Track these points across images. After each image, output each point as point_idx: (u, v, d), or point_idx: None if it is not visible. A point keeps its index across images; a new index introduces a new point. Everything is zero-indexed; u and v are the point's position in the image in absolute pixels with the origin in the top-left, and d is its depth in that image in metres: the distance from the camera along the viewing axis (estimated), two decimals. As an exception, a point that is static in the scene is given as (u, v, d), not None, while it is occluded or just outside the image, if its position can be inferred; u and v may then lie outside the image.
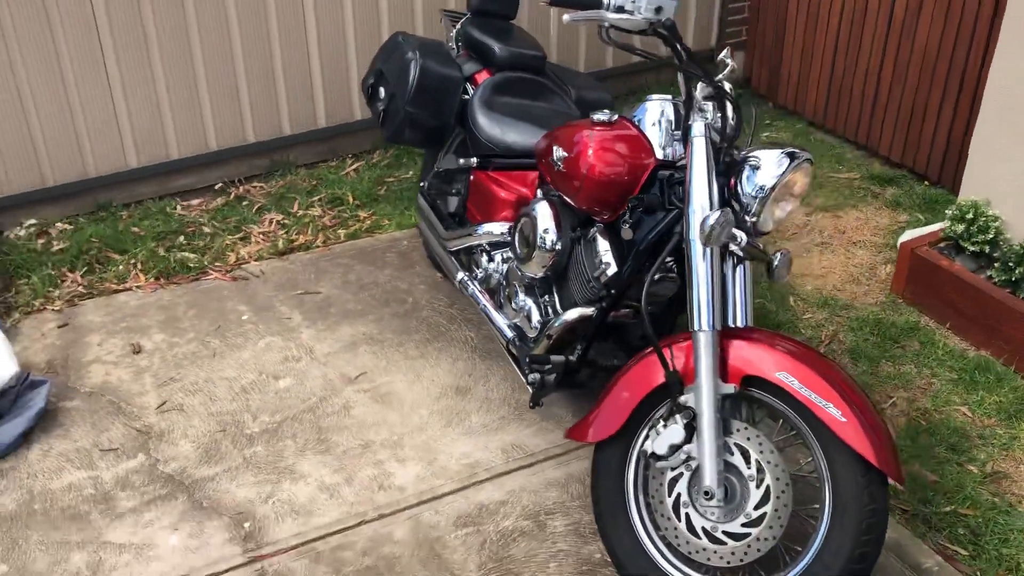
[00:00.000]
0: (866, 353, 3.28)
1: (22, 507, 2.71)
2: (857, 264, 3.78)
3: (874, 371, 3.21)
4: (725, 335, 2.30)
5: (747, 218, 2.34)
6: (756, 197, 2.31)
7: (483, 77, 3.26)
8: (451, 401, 3.09)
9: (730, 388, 2.23)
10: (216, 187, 4.28)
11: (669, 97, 2.52)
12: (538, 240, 2.66)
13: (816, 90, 4.79)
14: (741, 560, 2.23)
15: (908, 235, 3.63)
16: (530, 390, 2.79)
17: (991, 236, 3.33)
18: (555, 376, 2.71)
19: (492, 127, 3.03)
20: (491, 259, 3.04)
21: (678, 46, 2.33)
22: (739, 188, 2.34)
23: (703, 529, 2.27)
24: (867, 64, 4.45)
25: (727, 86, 2.51)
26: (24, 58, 3.71)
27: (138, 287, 3.68)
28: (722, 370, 2.26)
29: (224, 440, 2.95)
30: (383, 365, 3.25)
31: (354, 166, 4.46)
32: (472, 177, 3.19)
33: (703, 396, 2.22)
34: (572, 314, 2.65)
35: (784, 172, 2.29)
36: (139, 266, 3.77)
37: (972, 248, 3.37)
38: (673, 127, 2.48)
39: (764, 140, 4.73)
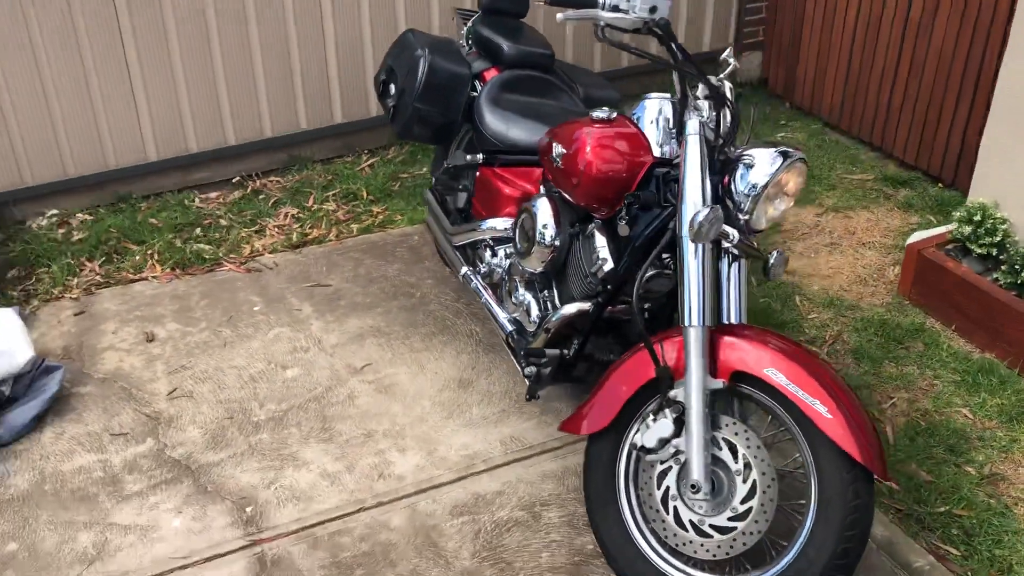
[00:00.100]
0: (869, 354, 3.29)
1: (34, 487, 2.80)
2: (865, 265, 3.79)
3: (876, 371, 3.22)
4: (718, 332, 2.33)
5: (740, 216, 2.36)
6: (749, 195, 2.33)
7: (492, 75, 3.30)
8: (453, 393, 3.14)
9: (719, 384, 2.26)
10: (234, 180, 4.36)
11: (667, 96, 2.54)
12: (537, 236, 2.70)
13: (832, 91, 4.78)
14: (727, 553, 2.26)
15: (916, 237, 3.63)
16: (526, 383, 2.83)
17: (998, 239, 3.33)
18: (550, 369, 2.74)
19: (498, 124, 3.08)
20: (494, 254, 3.09)
21: (672, 45, 2.36)
22: (732, 186, 2.36)
23: (690, 522, 2.30)
24: (883, 65, 4.44)
25: (727, 85, 2.54)
26: (48, 54, 3.81)
27: (154, 277, 3.76)
28: (712, 366, 2.29)
29: (231, 427, 3.02)
30: (388, 357, 3.30)
31: (369, 162, 4.53)
32: (478, 173, 3.23)
33: (692, 391, 2.25)
34: (570, 309, 2.69)
35: (776, 171, 2.32)
36: (156, 257, 3.85)
37: (979, 250, 3.36)
38: (670, 125, 2.51)
39: (777, 139, 4.74)
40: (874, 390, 3.14)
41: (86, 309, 3.58)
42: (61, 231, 4.00)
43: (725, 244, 2.35)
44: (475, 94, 3.25)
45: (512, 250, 2.91)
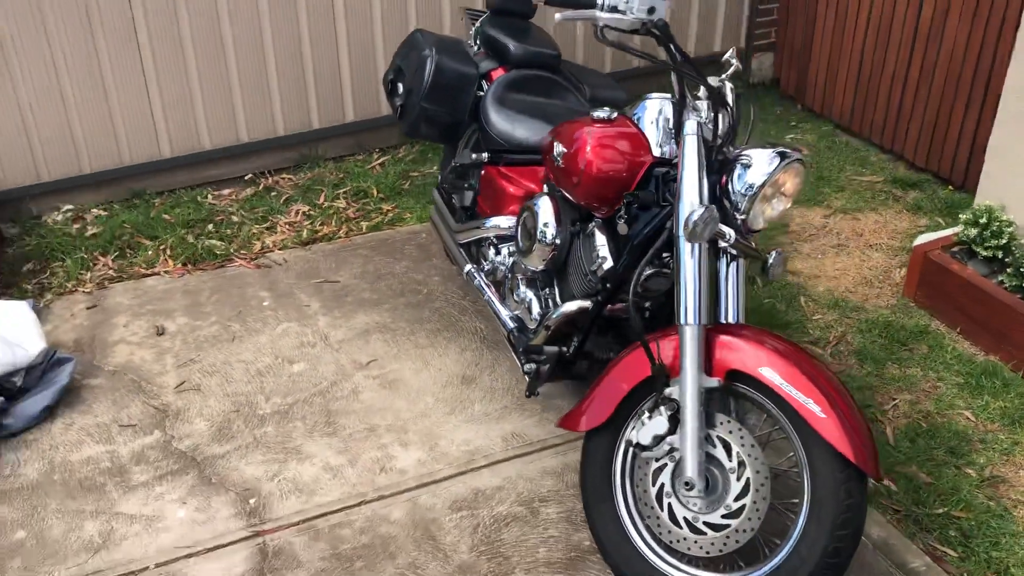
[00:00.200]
0: (872, 355, 3.30)
1: (43, 477, 2.85)
2: (872, 267, 3.79)
3: (879, 373, 3.23)
4: (715, 331, 2.35)
5: (737, 216, 2.38)
6: (745, 195, 2.35)
7: (499, 74, 3.33)
8: (456, 389, 3.17)
9: (714, 382, 2.28)
10: (246, 178, 4.41)
11: (668, 96, 2.56)
12: (538, 234, 2.73)
13: (843, 93, 4.78)
14: (720, 551, 2.27)
15: (923, 239, 3.62)
16: (526, 380, 2.85)
17: (1004, 241, 3.32)
18: (549, 366, 2.77)
19: (503, 123, 3.10)
20: (498, 252, 3.12)
21: (671, 46, 2.38)
22: (730, 186, 2.38)
23: (684, 519, 2.32)
24: (893, 68, 4.44)
25: (728, 86, 2.56)
26: (65, 52, 3.88)
27: (166, 272, 3.82)
28: (708, 364, 2.31)
29: (237, 420, 3.06)
30: (394, 353, 3.34)
31: (380, 160, 4.57)
32: (483, 172, 3.26)
33: (687, 389, 2.27)
34: (570, 306, 2.71)
35: (773, 171, 2.33)
36: (168, 252, 3.91)
37: (985, 253, 3.36)
38: (670, 125, 2.52)
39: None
40: (876, 391, 3.15)
41: (98, 303, 3.64)
42: (76, 226, 4.06)
43: (722, 244, 2.37)
44: (481, 93, 3.28)
45: (515, 248, 2.93)
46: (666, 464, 2.35)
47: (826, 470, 2.17)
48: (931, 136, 4.32)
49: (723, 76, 2.57)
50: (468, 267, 3.18)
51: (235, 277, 3.79)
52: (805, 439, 2.21)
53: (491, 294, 3.08)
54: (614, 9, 2.28)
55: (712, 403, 2.33)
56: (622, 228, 2.54)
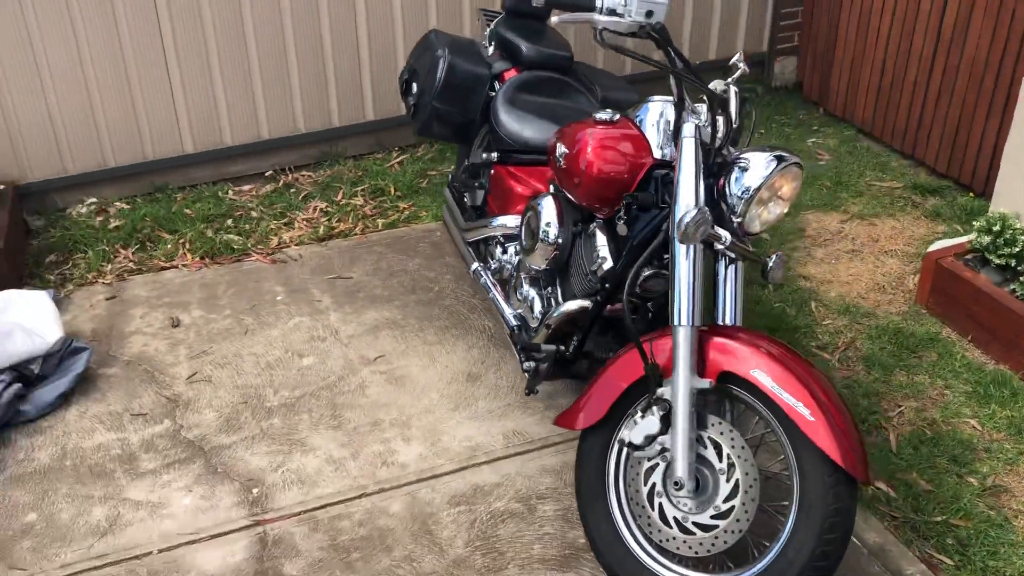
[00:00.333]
0: (881, 361, 3.28)
1: (55, 462, 2.93)
2: (885, 273, 3.76)
3: (886, 379, 3.21)
4: (710, 332, 2.36)
5: (733, 218, 2.39)
6: (742, 198, 2.36)
7: (511, 75, 3.36)
8: (461, 386, 3.20)
9: (706, 383, 2.29)
10: (267, 174, 4.48)
11: (671, 99, 2.57)
12: (541, 233, 2.76)
13: (865, 97, 4.75)
14: (708, 551, 2.28)
15: (937, 246, 3.60)
16: (526, 377, 2.88)
17: (1018, 249, 3.29)
18: (548, 365, 2.79)
19: (512, 123, 3.13)
20: (505, 251, 3.15)
21: (669, 50, 2.39)
22: (727, 188, 2.39)
23: (674, 519, 2.33)
24: (915, 73, 4.40)
25: (733, 90, 2.57)
26: (91, 49, 3.97)
27: (184, 265, 3.89)
28: (702, 366, 2.32)
29: (245, 411, 3.12)
30: (402, 349, 3.38)
31: (399, 159, 4.62)
32: (493, 172, 3.29)
33: (678, 389, 2.28)
34: (571, 305, 2.73)
35: (770, 174, 2.34)
36: (187, 246, 3.98)
37: (998, 261, 3.33)
38: (671, 128, 2.54)
39: (810, 146, 4.72)
40: (882, 398, 3.13)
41: (117, 294, 3.72)
42: (99, 219, 4.15)
43: (718, 246, 2.38)
44: (493, 94, 3.31)
45: (518, 247, 2.96)
46: (658, 464, 2.36)
47: (815, 473, 2.18)
48: (952, 142, 4.28)
49: (729, 80, 2.58)
50: (475, 265, 3.22)
51: (251, 271, 3.85)
52: (795, 442, 2.21)
53: (496, 292, 3.11)
54: (612, 12, 2.30)
55: (706, 405, 2.34)
56: (621, 229, 2.56)
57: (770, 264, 2.53)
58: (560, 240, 2.75)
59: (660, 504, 2.35)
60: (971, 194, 4.22)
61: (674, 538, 2.32)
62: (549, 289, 2.91)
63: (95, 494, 2.81)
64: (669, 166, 2.53)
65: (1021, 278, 3.25)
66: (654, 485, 2.37)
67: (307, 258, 3.93)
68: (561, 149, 2.66)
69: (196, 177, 4.38)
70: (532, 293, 2.93)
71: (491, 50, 3.52)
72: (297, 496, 2.79)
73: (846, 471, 2.15)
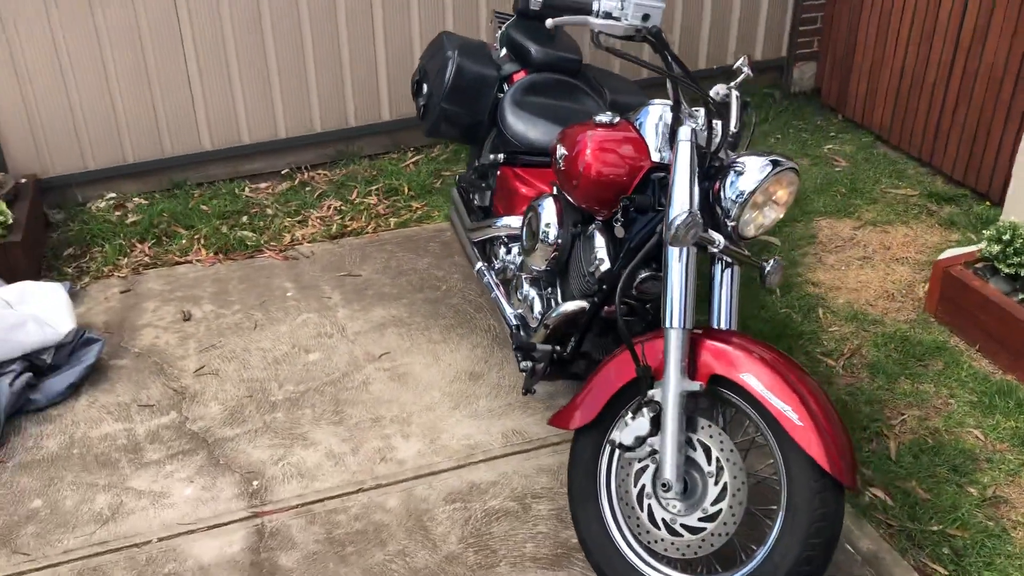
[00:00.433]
0: (886, 369, 3.26)
1: (63, 450, 2.99)
2: (895, 280, 3.74)
3: (890, 387, 3.19)
4: (704, 335, 2.36)
5: (727, 222, 2.39)
6: (736, 201, 2.36)
7: (520, 77, 3.38)
8: (463, 385, 3.23)
9: (696, 386, 2.29)
10: (283, 172, 4.54)
11: (670, 102, 2.58)
12: (541, 234, 2.78)
13: (884, 103, 4.72)
14: (695, 553, 2.29)
15: (947, 254, 3.57)
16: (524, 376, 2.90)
17: (1028, 259, 3.26)
18: (544, 365, 2.81)
19: (519, 125, 3.16)
20: (508, 251, 3.17)
21: (665, 53, 2.40)
22: (722, 192, 2.39)
23: (663, 521, 2.34)
24: (934, 79, 4.37)
25: (734, 94, 2.58)
26: (112, 47, 4.05)
27: (198, 260, 3.95)
28: (693, 368, 2.32)
29: (250, 405, 3.16)
30: (406, 346, 3.41)
31: (414, 159, 4.65)
32: (499, 172, 3.32)
33: (668, 391, 2.29)
34: (569, 306, 2.75)
35: (764, 178, 2.34)
36: (202, 241, 4.05)
37: (1007, 270, 3.29)
38: (670, 131, 2.54)
39: (827, 152, 4.70)
40: (885, 406, 3.12)
41: (132, 288, 3.78)
42: (117, 213, 4.23)
43: (712, 250, 2.38)
44: (502, 95, 3.34)
45: (519, 247, 2.98)
46: (648, 465, 2.37)
47: (802, 478, 2.18)
48: (969, 150, 4.25)
49: (732, 84, 2.59)
50: (479, 265, 3.24)
51: (263, 268, 3.90)
52: (783, 446, 2.21)
53: (498, 292, 3.13)
54: (608, 15, 2.31)
55: (698, 408, 2.35)
56: (619, 231, 2.57)
57: (767, 268, 2.53)
58: (559, 241, 2.76)
59: (649, 506, 2.36)
60: (987, 203, 4.18)
61: (662, 540, 2.33)
62: (549, 290, 2.92)
63: (99, 482, 2.87)
64: (667, 169, 2.54)
65: (1030, 288, 3.22)
66: (644, 487, 2.38)
67: (319, 255, 3.98)
68: (561, 151, 2.67)
69: (214, 174, 4.45)
70: (532, 293, 2.95)
71: (502, 52, 3.55)
72: (296, 489, 2.83)
73: (833, 477, 2.14)
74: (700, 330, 2.39)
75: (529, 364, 2.85)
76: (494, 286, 3.15)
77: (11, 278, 3.56)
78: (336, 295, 3.71)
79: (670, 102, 2.59)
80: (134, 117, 4.20)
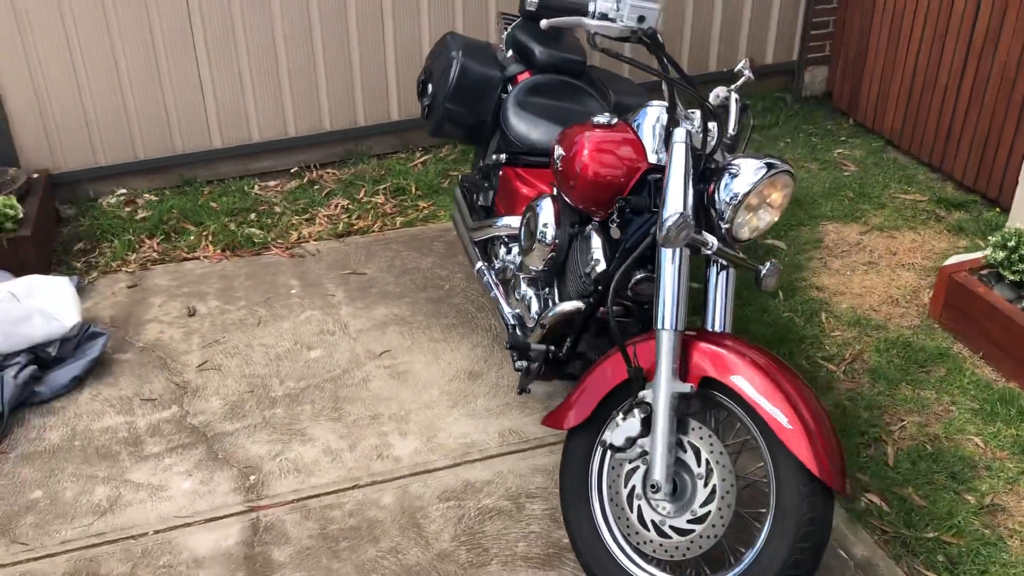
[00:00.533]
0: (887, 375, 3.24)
1: (64, 442, 3.02)
2: (900, 286, 3.72)
3: (891, 393, 3.17)
4: (697, 338, 2.36)
5: (721, 224, 2.39)
6: (730, 203, 2.36)
7: (524, 78, 3.38)
8: (462, 384, 3.24)
9: (687, 387, 2.29)
10: (292, 171, 4.57)
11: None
12: (538, 234, 2.78)
13: (895, 108, 4.69)
14: (683, 555, 2.29)
15: (953, 260, 3.55)
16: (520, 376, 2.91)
17: (1033, 265, 3.23)
18: (538, 365, 2.81)
19: (521, 125, 3.16)
20: (508, 251, 3.18)
21: (661, 55, 2.40)
22: (716, 194, 2.39)
23: (652, 522, 2.34)
24: (945, 84, 4.34)
25: (734, 97, 2.58)
26: (124, 46, 4.09)
27: (205, 257, 3.99)
28: (685, 370, 2.32)
29: (250, 400, 3.19)
30: (407, 345, 3.43)
31: (422, 159, 4.67)
32: (501, 173, 3.33)
33: (659, 393, 2.29)
34: (565, 306, 2.75)
35: (758, 181, 2.33)
36: (210, 238, 4.08)
37: (1012, 277, 3.27)
38: (665, 133, 2.54)
39: (836, 156, 4.68)
40: (885, 411, 3.10)
41: (139, 283, 3.82)
42: (127, 209, 4.27)
43: (705, 251, 2.38)
44: (505, 96, 3.34)
45: (518, 247, 2.99)
46: (638, 466, 2.37)
47: (791, 482, 2.17)
48: (980, 156, 4.22)
49: (732, 86, 2.59)
50: (479, 264, 3.25)
51: (269, 265, 3.93)
52: (773, 450, 2.21)
53: (498, 292, 3.14)
54: (604, 17, 2.32)
55: (690, 410, 2.35)
56: (614, 232, 2.57)
57: (763, 272, 2.52)
58: (557, 241, 2.77)
59: (639, 507, 2.36)
60: (997, 209, 4.14)
61: (651, 541, 2.33)
62: (547, 290, 2.93)
63: (99, 474, 2.90)
64: (663, 170, 2.53)
65: (1035, 295, 3.20)
66: (634, 488, 2.38)
67: (325, 253, 4.00)
68: (559, 151, 2.68)
69: (223, 172, 4.48)
70: (530, 293, 2.95)
71: (508, 53, 3.56)
72: (292, 484, 2.85)
73: (822, 481, 2.14)
74: (693, 332, 2.39)
75: (524, 364, 2.85)
76: (493, 286, 3.16)
77: (20, 272, 3.61)
78: (340, 293, 3.73)
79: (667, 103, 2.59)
80: (145, 114, 4.25)
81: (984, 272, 3.39)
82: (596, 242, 2.65)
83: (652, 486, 2.29)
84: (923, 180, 4.46)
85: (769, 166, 2.36)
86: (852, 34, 4.93)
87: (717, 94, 2.62)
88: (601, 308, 2.69)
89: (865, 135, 4.88)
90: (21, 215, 3.72)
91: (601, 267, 2.63)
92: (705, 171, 2.46)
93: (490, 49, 3.48)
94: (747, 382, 2.23)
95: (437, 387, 3.23)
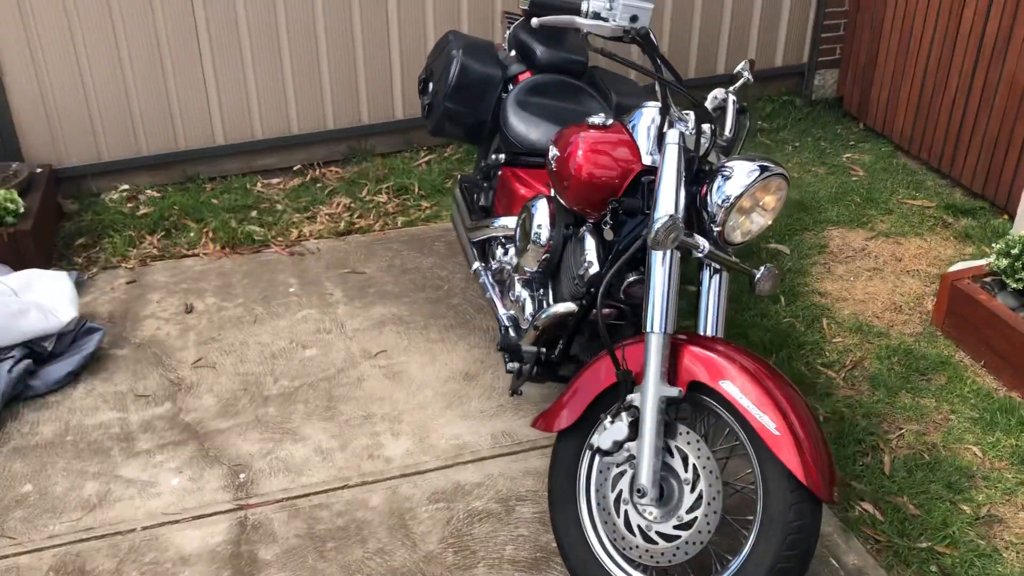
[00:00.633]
0: (887, 382, 3.20)
1: (57, 437, 3.02)
2: (904, 293, 3.67)
3: (890, 401, 3.13)
4: (688, 342, 2.33)
5: (713, 227, 2.36)
6: (722, 206, 2.33)
7: (525, 78, 3.36)
8: (457, 385, 3.22)
9: (675, 391, 2.26)
10: (295, 168, 4.56)
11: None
12: (532, 235, 2.76)
13: (904, 113, 4.64)
14: (669, 561, 2.26)
15: (957, 267, 3.50)
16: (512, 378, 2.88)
17: (1037, 274, 3.18)
18: (529, 367, 2.79)
19: (519, 125, 3.14)
20: (506, 252, 3.15)
21: (654, 55, 2.37)
22: (708, 196, 2.36)
23: (638, 527, 2.31)
24: (955, 89, 4.29)
25: (731, 99, 2.55)
26: (128, 41, 4.10)
27: (205, 254, 3.98)
28: (674, 374, 2.30)
29: (244, 398, 3.18)
30: (404, 345, 3.41)
31: (426, 158, 4.66)
32: (500, 173, 3.31)
33: (647, 396, 2.26)
34: (559, 308, 2.72)
35: (750, 184, 2.30)
36: (210, 235, 4.08)
37: (1015, 285, 3.22)
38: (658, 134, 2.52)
39: (844, 161, 4.63)
40: (884, 419, 3.06)
41: (138, 279, 3.82)
42: (130, 205, 4.27)
43: (696, 254, 2.35)
44: (505, 95, 3.32)
45: (513, 248, 2.97)
46: (626, 470, 2.34)
47: (778, 489, 2.14)
48: (989, 162, 4.16)
49: (731, 88, 2.56)
50: (476, 265, 3.23)
51: (268, 263, 3.92)
52: (760, 456, 2.18)
53: (493, 293, 3.12)
54: (596, 16, 2.29)
55: (678, 414, 2.32)
56: (607, 234, 2.55)
57: (757, 275, 2.49)
58: (551, 242, 2.74)
59: (626, 511, 2.33)
60: (1006, 216, 4.09)
61: (637, 547, 2.30)
62: (541, 291, 2.91)
63: (90, 470, 2.90)
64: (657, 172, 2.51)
65: (1039, 303, 3.15)
66: (621, 492, 2.35)
67: (324, 252, 3.99)
68: (553, 152, 2.66)
69: (227, 169, 4.48)
70: (524, 294, 2.93)
71: (511, 53, 3.54)
72: (282, 483, 2.84)
73: (809, 489, 2.10)
74: (685, 336, 2.36)
75: (516, 365, 2.83)
76: (490, 287, 3.14)
77: (20, 266, 3.61)
78: (338, 292, 3.72)
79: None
80: (149, 110, 4.25)
81: (988, 280, 3.35)
82: (589, 244, 2.63)
83: (638, 491, 2.26)
84: (931, 186, 4.41)
85: (763, 169, 2.33)
86: (863, 37, 4.88)
87: (715, 96, 2.60)
88: (593, 310, 2.66)
89: (875, 140, 4.83)
90: (22, 209, 3.73)
91: (594, 269, 2.60)
92: (699, 173, 2.44)
93: (492, 48, 3.46)
94: (736, 387, 2.20)
95: (432, 388, 3.21)
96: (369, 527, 2.68)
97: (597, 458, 2.43)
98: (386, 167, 4.59)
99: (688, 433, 2.28)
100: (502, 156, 3.07)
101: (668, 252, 2.30)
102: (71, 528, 2.69)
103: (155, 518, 2.73)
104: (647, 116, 2.57)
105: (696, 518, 2.23)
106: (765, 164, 2.34)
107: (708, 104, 2.58)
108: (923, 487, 2.79)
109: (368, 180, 4.47)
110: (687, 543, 2.23)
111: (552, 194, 2.89)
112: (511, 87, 3.36)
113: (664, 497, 2.28)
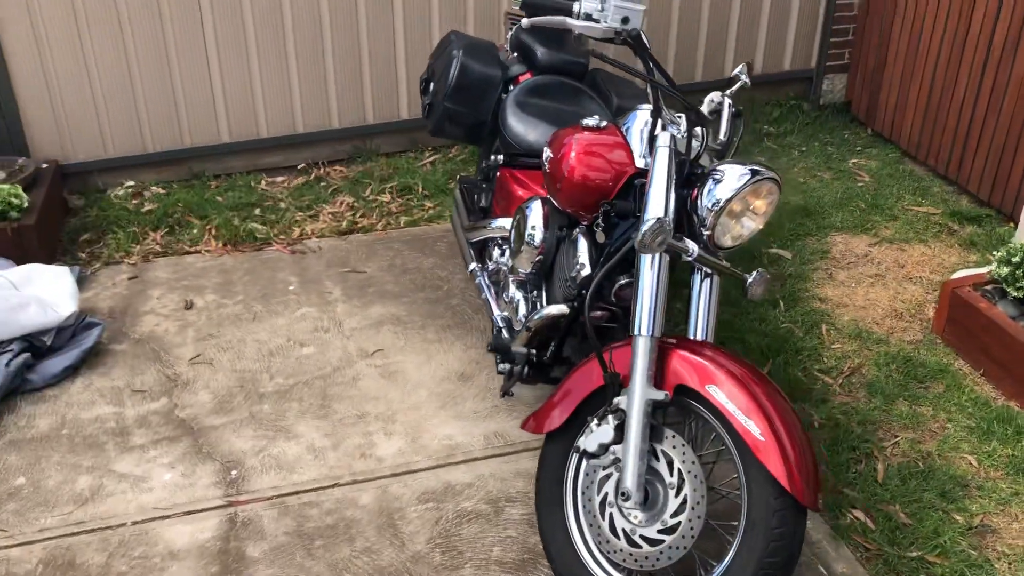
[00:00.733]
0: (884, 389, 3.18)
1: (53, 430, 3.04)
2: (905, 300, 3.64)
3: (887, 408, 3.11)
4: (676, 346, 2.32)
5: (703, 231, 2.35)
6: (712, 209, 2.32)
7: (525, 79, 3.36)
8: (452, 386, 3.22)
9: (661, 395, 2.25)
10: (299, 167, 4.58)
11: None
12: (526, 236, 2.76)
13: (912, 119, 4.61)
14: (653, 566, 2.25)
15: (959, 274, 3.47)
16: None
17: (1038, 282, 3.15)
18: (520, 368, 2.79)
19: (518, 126, 3.14)
20: (502, 253, 3.15)
21: (645, 57, 2.36)
22: (699, 200, 2.35)
23: (623, 531, 2.30)
24: (963, 95, 4.26)
25: (727, 102, 2.54)
26: (135, 39, 4.13)
27: (207, 251, 4.00)
28: (661, 378, 2.29)
29: (239, 395, 3.19)
30: (401, 344, 3.42)
31: (431, 159, 4.66)
32: (498, 174, 3.30)
33: (633, 399, 2.25)
34: (550, 310, 2.72)
35: (741, 187, 2.29)
36: (213, 232, 4.10)
37: (1016, 293, 3.19)
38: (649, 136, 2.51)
39: (850, 167, 4.60)
40: (880, 426, 3.03)
41: (140, 275, 3.85)
42: (135, 201, 4.30)
43: (686, 258, 2.34)
44: (505, 96, 3.32)
45: (508, 249, 2.96)
46: (611, 474, 2.34)
47: (762, 495, 2.13)
48: (996, 169, 4.13)
49: (727, 92, 2.55)
50: (472, 265, 3.23)
51: (269, 260, 3.94)
52: (745, 461, 2.17)
53: (489, 294, 3.12)
54: (588, 17, 2.29)
55: (664, 417, 2.31)
56: (599, 236, 2.54)
57: (749, 280, 2.48)
58: (544, 244, 2.74)
59: (611, 515, 2.32)
60: (1012, 224, 4.05)
61: (621, 550, 2.29)
62: (535, 293, 2.90)
63: (84, 464, 2.91)
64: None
65: (1039, 312, 3.12)
66: (607, 495, 2.34)
67: (326, 250, 4.00)
68: (547, 153, 2.65)
69: (232, 166, 4.51)
70: (518, 296, 2.93)
71: (513, 54, 3.54)
72: (273, 481, 2.84)
73: (793, 496, 2.09)
74: (673, 340, 2.35)
75: (507, 366, 2.83)
76: (485, 287, 3.14)
77: (23, 260, 3.64)
78: (337, 290, 3.73)
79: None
80: (155, 107, 4.28)
81: (988, 288, 3.32)
82: (582, 246, 2.62)
83: (623, 494, 2.25)
84: (938, 193, 4.38)
85: (754, 172, 2.31)
86: (871, 43, 4.85)
87: (712, 99, 2.59)
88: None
89: (882, 145, 4.80)
90: (26, 204, 3.76)
91: (586, 271, 2.59)
92: (691, 176, 2.43)
93: (493, 48, 3.46)
94: (723, 392, 2.19)
95: (426, 388, 3.21)
96: (358, 526, 2.69)
97: (584, 461, 2.42)
98: (390, 167, 4.59)
99: (674, 437, 2.27)
100: (501, 157, 3.08)
101: (657, 255, 2.30)
102: (62, 522, 2.71)
103: (146, 513, 2.74)
104: (641, 119, 2.56)
105: (680, 523, 2.22)
106: (756, 168, 2.33)
107: (704, 107, 2.57)
108: (916, 496, 2.77)
109: (372, 180, 4.48)
110: (671, 547, 2.22)
111: (547, 196, 2.88)
112: (511, 88, 3.36)
113: (649, 501, 2.27)
